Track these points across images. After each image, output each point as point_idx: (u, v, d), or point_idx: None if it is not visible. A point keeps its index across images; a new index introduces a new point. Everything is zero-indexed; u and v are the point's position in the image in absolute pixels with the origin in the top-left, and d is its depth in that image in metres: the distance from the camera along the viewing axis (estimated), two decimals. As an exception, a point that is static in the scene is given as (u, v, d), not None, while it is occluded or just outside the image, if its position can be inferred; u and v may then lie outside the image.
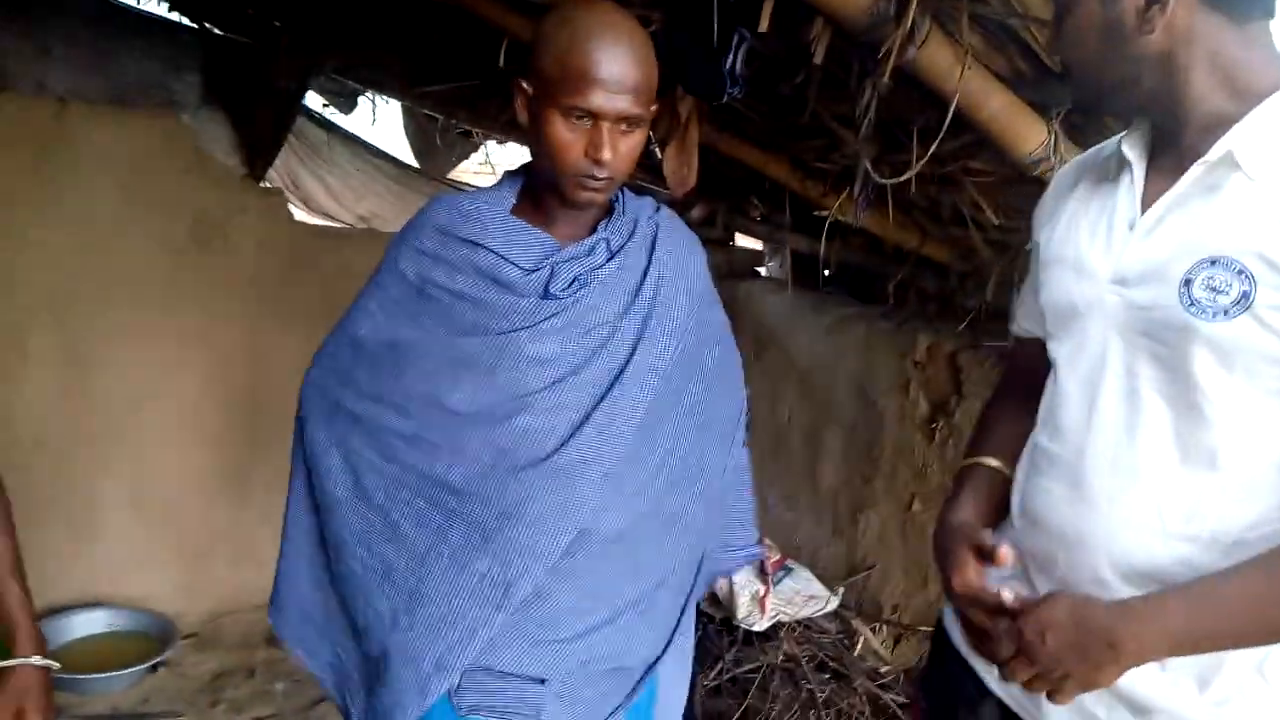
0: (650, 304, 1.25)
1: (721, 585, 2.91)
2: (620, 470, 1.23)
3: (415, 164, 5.40)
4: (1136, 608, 0.98)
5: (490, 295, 1.22)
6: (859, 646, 2.92)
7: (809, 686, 2.84)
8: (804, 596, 2.99)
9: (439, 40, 3.31)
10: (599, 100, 1.12)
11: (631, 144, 1.17)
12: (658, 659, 1.36)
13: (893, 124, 2.16)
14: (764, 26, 1.88)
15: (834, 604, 3.02)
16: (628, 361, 1.22)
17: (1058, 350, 1.14)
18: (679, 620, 1.40)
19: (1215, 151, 0.98)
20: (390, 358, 1.27)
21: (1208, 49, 1.00)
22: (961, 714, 1.24)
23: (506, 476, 1.21)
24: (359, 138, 5.17)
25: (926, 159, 2.00)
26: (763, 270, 4.24)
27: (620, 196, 1.30)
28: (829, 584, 3.08)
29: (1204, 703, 1.02)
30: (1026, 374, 1.26)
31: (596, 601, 1.28)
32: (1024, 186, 2.10)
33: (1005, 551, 1.05)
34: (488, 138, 5.00)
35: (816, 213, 2.84)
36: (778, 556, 3.08)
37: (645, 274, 1.26)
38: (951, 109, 1.84)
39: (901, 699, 2.69)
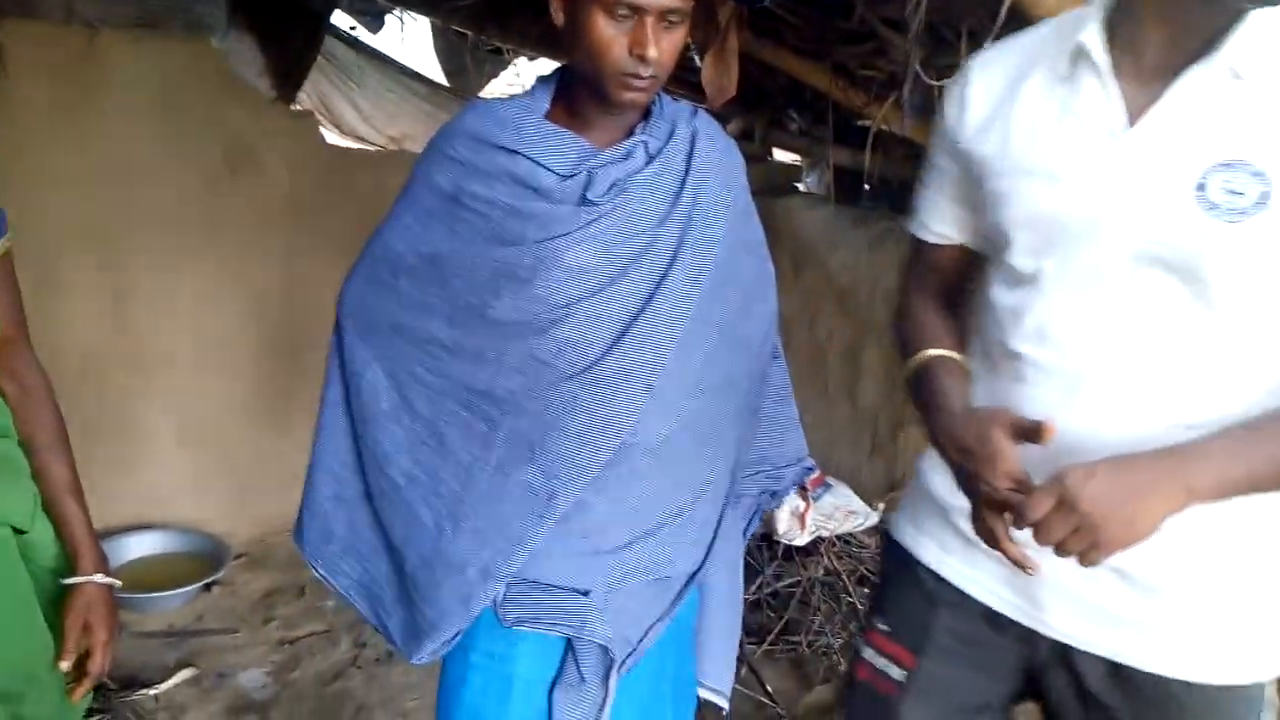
0: (689, 211, 1.22)
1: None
2: (660, 383, 1.21)
3: (446, 84, 5.33)
4: (1180, 450, 0.98)
5: (527, 203, 1.19)
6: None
7: (850, 600, 2.86)
8: (844, 511, 3.00)
9: (467, -49, 3.23)
10: None
11: (674, 40, 1.14)
12: (698, 569, 1.36)
13: (942, 25, 2.07)
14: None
15: (874, 519, 3.02)
16: (667, 272, 1.20)
17: (1037, 262, 1.09)
18: (716, 528, 1.39)
19: (1217, 58, 0.97)
20: (432, 270, 1.25)
21: None
22: (936, 633, 1.22)
23: (548, 389, 1.20)
24: (389, 57, 5.10)
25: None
26: (800, 186, 4.15)
27: (659, 100, 1.26)
28: (869, 501, 3.08)
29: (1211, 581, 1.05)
30: (935, 275, 1.30)
31: (637, 513, 1.28)
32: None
33: (1050, 424, 1.00)
34: (518, 54, 4.90)
35: (859, 122, 2.75)
36: (817, 474, 3.08)
37: (684, 180, 1.22)
38: (1005, 6, 1.74)
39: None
